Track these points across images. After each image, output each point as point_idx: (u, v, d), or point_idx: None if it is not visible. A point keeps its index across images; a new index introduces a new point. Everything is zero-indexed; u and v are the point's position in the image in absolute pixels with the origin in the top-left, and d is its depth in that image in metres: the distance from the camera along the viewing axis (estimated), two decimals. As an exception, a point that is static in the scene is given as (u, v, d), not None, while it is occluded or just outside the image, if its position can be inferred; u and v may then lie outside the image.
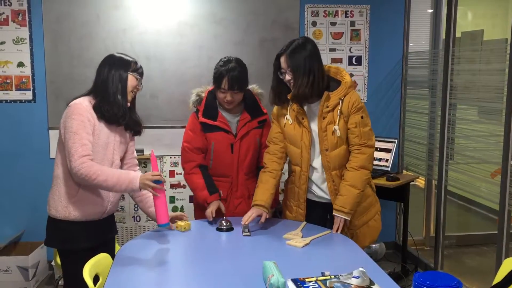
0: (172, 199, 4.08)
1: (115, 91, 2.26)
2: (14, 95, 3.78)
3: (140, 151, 3.91)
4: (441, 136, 3.66)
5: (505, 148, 2.96)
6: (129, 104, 2.35)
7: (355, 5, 4.11)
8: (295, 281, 1.79)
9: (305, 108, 2.49)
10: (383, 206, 4.16)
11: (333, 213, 2.43)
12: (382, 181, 3.67)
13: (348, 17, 4.11)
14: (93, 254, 2.07)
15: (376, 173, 3.75)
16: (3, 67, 3.74)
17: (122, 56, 2.35)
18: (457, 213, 4.73)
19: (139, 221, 4.05)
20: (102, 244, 2.37)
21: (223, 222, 2.49)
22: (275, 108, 2.60)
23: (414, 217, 4.14)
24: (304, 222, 2.54)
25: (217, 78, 2.57)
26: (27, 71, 3.77)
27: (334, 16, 4.10)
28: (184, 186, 4.06)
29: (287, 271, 1.84)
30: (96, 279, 1.97)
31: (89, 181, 2.17)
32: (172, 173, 4.05)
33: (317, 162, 2.51)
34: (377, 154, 3.86)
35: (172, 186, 4.07)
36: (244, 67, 2.63)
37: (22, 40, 3.74)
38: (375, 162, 3.87)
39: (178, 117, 3.91)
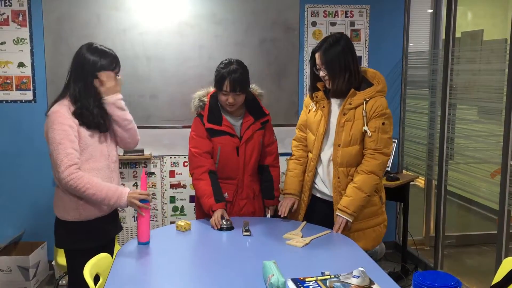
0: (172, 199, 4.08)
1: (93, 100, 2.23)
2: (14, 95, 3.79)
3: (140, 151, 3.91)
4: (441, 136, 3.66)
5: (504, 148, 2.96)
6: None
7: (355, 5, 4.11)
8: (295, 280, 1.79)
9: (332, 100, 2.51)
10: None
11: (336, 213, 2.44)
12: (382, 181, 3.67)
13: (348, 17, 4.12)
14: (99, 252, 2.08)
15: (376, 173, 3.75)
16: (4, 67, 3.75)
17: (96, 60, 2.24)
18: (457, 213, 4.73)
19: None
20: (107, 242, 2.39)
21: (223, 221, 2.49)
22: (307, 96, 2.66)
23: (414, 217, 4.14)
24: (304, 222, 2.54)
25: (219, 80, 2.57)
26: (27, 71, 3.78)
27: (334, 16, 4.11)
28: (184, 186, 4.06)
29: (287, 271, 1.84)
30: (96, 279, 1.97)
31: (78, 193, 2.19)
32: (172, 173, 4.05)
33: (325, 155, 2.52)
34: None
35: (172, 186, 4.07)
36: (245, 68, 2.63)
37: (23, 40, 3.75)
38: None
39: (178, 117, 3.92)
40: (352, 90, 2.43)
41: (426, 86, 4.06)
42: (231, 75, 2.53)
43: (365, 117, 2.41)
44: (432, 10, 4.26)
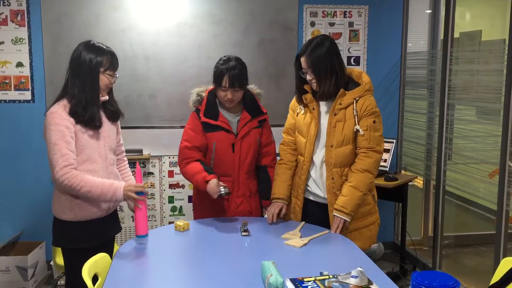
0: (171, 199, 4.08)
1: (88, 99, 2.23)
2: (13, 95, 3.78)
3: (138, 151, 3.91)
4: (439, 136, 3.67)
5: (503, 148, 2.97)
6: (107, 98, 2.34)
7: (354, 6, 4.12)
8: (293, 280, 1.79)
9: (321, 102, 2.51)
10: (381, 206, 4.17)
11: (333, 213, 2.43)
12: (380, 181, 3.68)
13: (346, 17, 4.12)
14: (97, 252, 2.08)
15: (375, 173, 3.75)
16: (2, 67, 3.75)
17: (92, 57, 2.24)
18: (455, 213, 4.73)
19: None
20: (106, 242, 2.39)
21: (221, 188, 2.49)
22: (294, 99, 2.63)
23: (412, 217, 4.15)
24: (303, 222, 2.54)
25: (218, 76, 2.58)
26: (26, 71, 3.78)
27: (333, 17, 4.11)
28: (183, 186, 4.06)
29: (286, 271, 1.84)
30: (95, 279, 1.97)
31: (73, 192, 2.20)
32: (171, 173, 4.05)
33: (318, 157, 2.51)
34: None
35: (171, 186, 4.07)
36: (244, 65, 2.64)
37: (21, 40, 3.74)
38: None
39: (177, 117, 3.92)
40: (342, 90, 2.43)
41: (425, 86, 4.06)
42: (230, 71, 2.55)
43: (356, 116, 2.42)
44: (430, 11, 4.26)
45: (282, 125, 2.73)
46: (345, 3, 4.10)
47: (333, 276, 1.81)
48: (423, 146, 4.03)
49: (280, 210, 2.57)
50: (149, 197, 4.00)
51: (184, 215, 4.10)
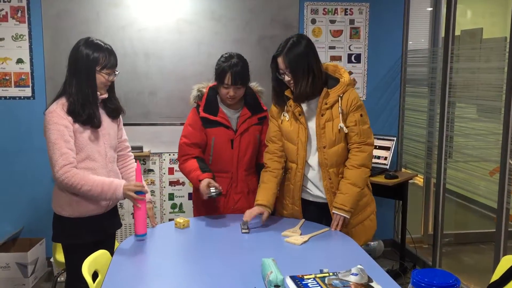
0: (171, 197, 4.08)
1: (85, 98, 2.22)
2: (13, 91, 3.78)
3: (139, 148, 3.91)
4: (440, 134, 3.66)
5: (503, 147, 2.96)
6: (106, 95, 2.33)
7: (355, 3, 4.11)
8: (293, 278, 1.79)
9: (303, 105, 2.48)
10: (381, 204, 4.19)
11: (333, 211, 2.43)
12: (380, 179, 3.68)
13: (347, 14, 4.11)
14: (98, 249, 2.08)
15: (375, 171, 3.75)
16: (2, 63, 3.74)
17: (89, 53, 2.23)
18: (455, 211, 4.73)
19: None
20: (106, 238, 2.39)
21: (211, 189, 2.48)
22: (273, 106, 2.59)
23: (412, 215, 4.15)
24: (303, 220, 2.54)
25: (220, 74, 2.58)
26: (26, 67, 3.77)
27: (334, 14, 4.10)
28: (183, 183, 4.06)
29: (286, 268, 1.84)
30: (95, 275, 1.97)
31: (74, 190, 2.20)
32: (171, 171, 4.05)
33: (313, 160, 2.50)
34: (375, 152, 3.86)
35: (171, 183, 4.07)
36: (246, 62, 2.64)
37: (21, 36, 3.74)
38: (374, 160, 3.87)
39: (177, 114, 3.91)
40: (325, 89, 2.40)
41: (426, 84, 4.06)
42: (232, 69, 2.54)
43: (341, 114, 2.40)
44: (431, 8, 4.25)
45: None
46: (346, 0, 4.10)
47: (333, 274, 1.80)
48: (423, 144, 4.03)
49: (261, 214, 2.45)
50: (150, 195, 3.99)
51: (184, 212, 4.11)
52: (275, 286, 1.69)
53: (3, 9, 3.69)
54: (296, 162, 2.51)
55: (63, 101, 2.23)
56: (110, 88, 2.37)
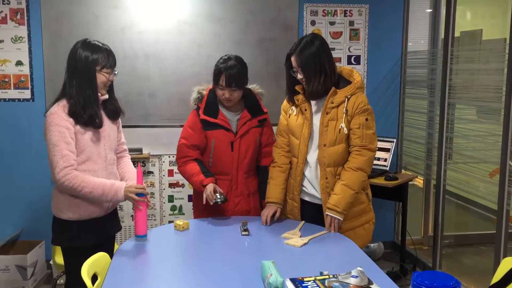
0: (171, 198, 4.08)
1: (86, 99, 2.22)
2: (12, 93, 3.77)
3: (138, 150, 3.91)
4: (439, 136, 3.66)
5: (503, 148, 2.96)
6: (107, 96, 2.33)
7: (354, 4, 4.11)
8: (293, 280, 1.79)
9: (312, 102, 2.50)
10: (381, 206, 4.19)
11: (326, 212, 2.42)
12: (380, 181, 3.68)
13: (347, 16, 4.11)
14: (97, 251, 2.08)
15: (375, 172, 3.75)
16: (2, 65, 3.74)
17: (88, 55, 2.23)
18: (455, 213, 4.73)
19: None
20: (105, 241, 2.38)
21: (217, 195, 2.49)
22: (285, 101, 2.62)
23: (412, 216, 4.14)
24: (303, 222, 2.54)
25: (216, 75, 2.59)
26: (25, 69, 3.77)
27: (333, 15, 4.10)
28: (182, 185, 4.06)
29: (286, 271, 1.84)
30: (94, 278, 1.97)
31: (74, 192, 2.20)
32: (170, 173, 4.05)
33: (312, 157, 2.50)
34: (376, 154, 3.85)
35: (171, 185, 4.06)
36: (244, 64, 2.64)
37: (21, 38, 3.74)
38: (374, 162, 3.85)
39: (177, 116, 3.91)
40: (333, 89, 2.42)
41: (425, 85, 4.06)
42: (228, 71, 2.55)
43: (345, 115, 2.41)
44: (431, 10, 4.25)
45: (282, 125, 2.72)
46: (345, 2, 4.10)
47: (333, 276, 1.80)
48: (423, 145, 4.03)
49: (275, 213, 2.54)
50: (150, 196, 3.99)
51: (183, 214, 4.10)
52: (275, 288, 1.69)
53: (2, 11, 3.69)
54: (297, 156, 2.54)
55: (64, 103, 2.23)
56: (110, 89, 2.37)
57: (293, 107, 2.54)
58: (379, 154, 3.91)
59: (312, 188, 2.55)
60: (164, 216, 4.09)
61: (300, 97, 2.50)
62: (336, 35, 4.12)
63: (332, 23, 4.11)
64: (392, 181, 3.68)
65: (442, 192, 3.67)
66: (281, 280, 1.71)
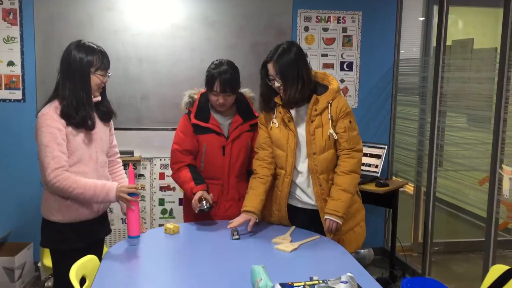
0: (162, 202, 4.06)
1: (79, 100, 2.20)
2: (3, 94, 3.75)
3: (129, 153, 3.89)
4: (430, 143, 3.68)
5: (493, 156, 2.98)
6: (99, 98, 2.32)
7: (348, 11, 4.13)
8: (283, 285, 1.78)
9: (292, 112, 2.49)
10: (372, 212, 4.20)
11: (326, 217, 2.42)
12: (371, 187, 3.69)
13: (340, 23, 4.14)
14: (86, 254, 2.06)
15: (366, 178, 3.76)
16: (-7, 65, 3.71)
17: (82, 57, 2.22)
18: (445, 220, 4.76)
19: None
20: (95, 244, 2.37)
21: (203, 203, 2.48)
22: (262, 113, 2.60)
23: (402, 223, 4.16)
24: (293, 227, 2.54)
25: (209, 81, 2.58)
26: (17, 70, 3.74)
27: (327, 22, 4.12)
28: (173, 189, 4.04)
29: (276, 275, 1.83)
30: (83, 281, 1.95)
31: (65, 194, 2.18)
32: (161, 176, 4.03)
33: (303, 166, 2.50)
34: (366, 160, 3.87)
35: (162, 188, 4.05)
36: (236, 69, 2.63)
37: (13, 39, 3.71)
38: (365, 168, 3.89)
39: (169, 119, 3.90)
40: (315, 96, 2.42)
41: (417, 93, 4.09)
42: (221, 76, 2.54)
43: (330, 120, 2.42)
44: (423, 18, 4.29)
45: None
46: (339, 8, 4.12)
47: (323, 281, 1.80)
48: (414, 152, 4.05)
49: (248, 222, 2.45)
50: (140, 199, 3.97)
51: (174, 217, 4.08)
52: (264, 293, 1.68)
53: (-5, 11, 3.67)
54: (285, 168, 2.52)
55: (56, 104, 2.21)
56: (102, 91, 2.36)
57: (274, 119, 2.52)
58: (370, 160, 3.93)
59: (305, 196, 2.54)
60: (155, 220, 4.07)
61: (281, 109, 2.48)
62: (329, 41, 4.14)
63: (325, 29, 4.13)
64: (383, 188, 3.69)
65: (432, 199, 3.68)
66: (271, 285, 1.70)
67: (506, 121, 2.93)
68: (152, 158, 4.00)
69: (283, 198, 2.54)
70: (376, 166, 3.91)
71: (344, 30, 4.15)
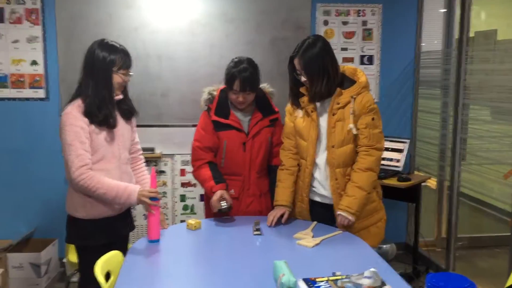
0: (183, 198, 4.09)
1: (102, 99, 2.23)
2: (27, 93, 3.81)
3: (150, 150, 3.93)
4: (453, 137, 3.63)
5: (519, 149, 2.93)
6: (121, 97, 2.34)
7: (368, 4, 4.09)
8: (306, 280, 1.78)
9: (317, 103, 2.49)
10: (394, 207, 4.16)
11: (338, 212, 2.41)
12: (393, 182, 3.65)
13: (360, 16, 4.09)
14: (111, 250, 2.09)
15: (387, 173, 3.73)
16: (17, 65, 3.78)
17: (105, 55, 2.25)
18: (469, 215, 4.68)
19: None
20: (118, 240, 2.39)
21: (221, 203, 2.49)
22: (290, 103, 2.61)
23: (425, 218, 4.11)
24: (315, 222, 2.53)
25: (229, 79, 2.57)
26: (40, 69, 3.80)
27: (346, 15, 4.08)
28: (194, 185, 4.07)
29: (298, 271, 1.83)
30: (108, 276, 1.98)
31: (89, 193, 2.21)
32: (182, 172, 4.06)
33: (321, 159, 2.49)
34: (388, 154, 3.84)
35: (183, 184, 4.08)
36: (256, 67, 2.62)
37: (36, 38, 3.77)
38: (387, 162, 3.85)
39: (189, 116, 3.92)
40: (339, 89, 2.40)
41: (439, 86, 4.03)
42: (241, 74, 2.53)
43: (352, 115, 2.39)
44: (445, 10, 4.22)
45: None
46: (358, 1, 4.08)
47: (346, 277, 1.79)
48: (436, 146, 3.99)
49: (282, 215, 2.51)
50: (161, 195, 4.00)
51: (195, 213, 4.11)
52: (287, 288, 1.68)
53: (17, 12, 3.73)
54: (305, 158, 2.52)
55: (79, 102, 2.24)
56: (124, 90, 2.38)
57: (299, 110, 2.53)
58: (392, 154, 3.89)
59: (322, 189, 2.54)
60: (176, 216, 4.11)
61: (305, 99, 2.48)
62: (349, 35, 4.10)
63: (345, 23, 4.09)
64: (405, 182, 3.65)
65: (456, 193, 3.63)
66: (293, 280, 1.70)
67: (532, 113, 2.87)
68: (173, 154, 4.03)
69: (305, 188, 2.54)
70: (398, 161, 3.87)
71: (364, 23, 4.11)
